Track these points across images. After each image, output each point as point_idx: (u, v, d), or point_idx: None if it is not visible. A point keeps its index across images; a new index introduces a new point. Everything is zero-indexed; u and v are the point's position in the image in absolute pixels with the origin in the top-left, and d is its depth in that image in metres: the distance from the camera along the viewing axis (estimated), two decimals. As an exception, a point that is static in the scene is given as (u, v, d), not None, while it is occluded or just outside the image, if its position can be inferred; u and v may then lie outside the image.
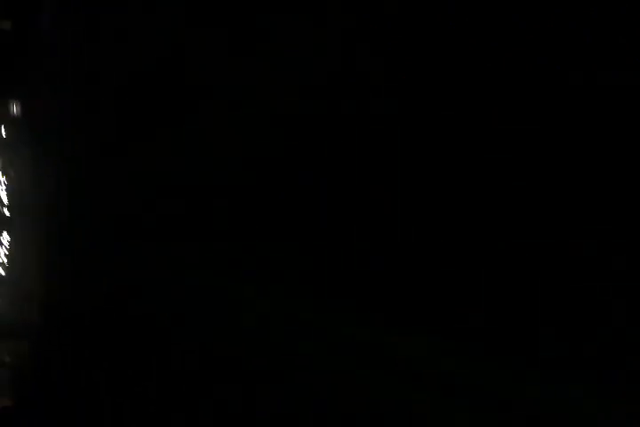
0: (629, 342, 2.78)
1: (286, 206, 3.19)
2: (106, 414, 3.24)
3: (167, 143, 3.31)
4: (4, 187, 3.41)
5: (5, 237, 3.38)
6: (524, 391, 2.82)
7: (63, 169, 3.36)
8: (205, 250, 3.26)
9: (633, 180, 2.85)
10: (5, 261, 3.38)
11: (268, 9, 3.22)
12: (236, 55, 3.28)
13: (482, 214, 2.99)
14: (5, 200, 3.41)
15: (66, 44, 3.42)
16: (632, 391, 2.74)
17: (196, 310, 3.23)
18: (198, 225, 3.27)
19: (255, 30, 3.24)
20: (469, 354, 2.90)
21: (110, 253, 3.33)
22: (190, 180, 3.29)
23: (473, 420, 2.83)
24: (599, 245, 2.85)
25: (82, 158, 3.36)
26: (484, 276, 2.96)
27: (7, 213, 3.41)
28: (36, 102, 3.43)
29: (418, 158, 3.07)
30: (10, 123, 3.44)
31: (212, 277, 3.24)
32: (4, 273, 3.37)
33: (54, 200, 3.37)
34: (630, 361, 2.77)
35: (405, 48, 3.08)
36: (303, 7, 3.17)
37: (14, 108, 3.43)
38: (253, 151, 3.25)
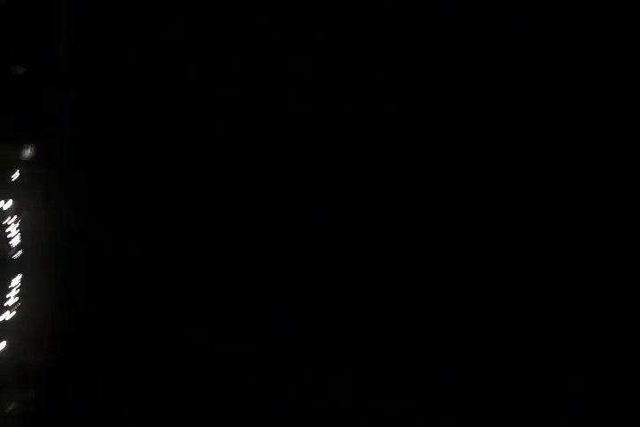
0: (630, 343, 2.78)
1: (286, 206, 3.19)
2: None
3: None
4: (17, 231, 3.45)
5: (17, 280, 3.41)
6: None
7: (75, 211, 3.35)
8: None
9: (633, 180, 2.85)
10: (15, 304, 3.38)
11: (268, 9, 3.22)
12: (236, 55, 3.28)
13: (481, 216, 2.99)
14: (17, 242, 3.44)
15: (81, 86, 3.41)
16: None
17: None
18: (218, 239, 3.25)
19: (255, 30, 3.24)
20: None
21: (123, 297, 3.28)
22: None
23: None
24: (599, 245, 2.85)
25: (95, 199, 3.34)
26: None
27: (19, 256, 3.44)
28: (48, 147, 3.47)
29: (417, 158, 3.07)
30: (23, 166, 3.49)
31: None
32: (11, 317, 3.37)
33: (65, 242, 3.35)
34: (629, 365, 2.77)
35: (405, 48, 3.08)
36: (303, 7, 3.17)
37: (27, 153, 3.48)
38: (253, 151, 3.25)
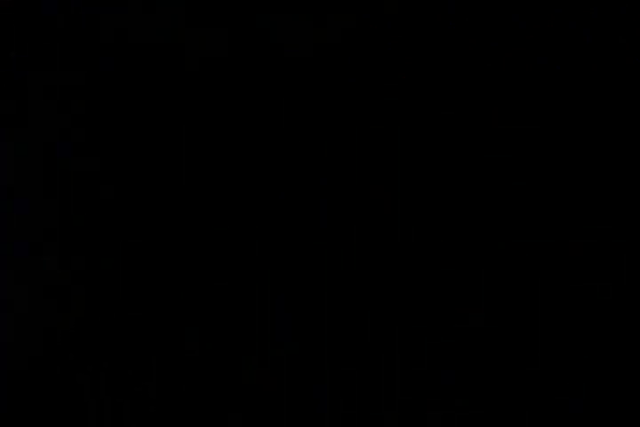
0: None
1: (285, 206, 3.19)
2: None
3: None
4: None
5: None
6: None
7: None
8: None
9: (633, 180, 2.85)
10: None
11: (268, 9, 3.22)
12: (236, 53, 3.28)
13: (481, 216, 2.99)
14: None
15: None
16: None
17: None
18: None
19: (254, 30, 3.24)
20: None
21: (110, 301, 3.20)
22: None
23: None
24: (599, 245, 2.85)
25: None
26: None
27: None
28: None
29: (417, 158, 3.07)
30: None
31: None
32: None
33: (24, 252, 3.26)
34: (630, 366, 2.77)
35: (405, 48, 3.08)
36: (303, 7, 3.17)
37: None
38: (252, 152, 3.25)
